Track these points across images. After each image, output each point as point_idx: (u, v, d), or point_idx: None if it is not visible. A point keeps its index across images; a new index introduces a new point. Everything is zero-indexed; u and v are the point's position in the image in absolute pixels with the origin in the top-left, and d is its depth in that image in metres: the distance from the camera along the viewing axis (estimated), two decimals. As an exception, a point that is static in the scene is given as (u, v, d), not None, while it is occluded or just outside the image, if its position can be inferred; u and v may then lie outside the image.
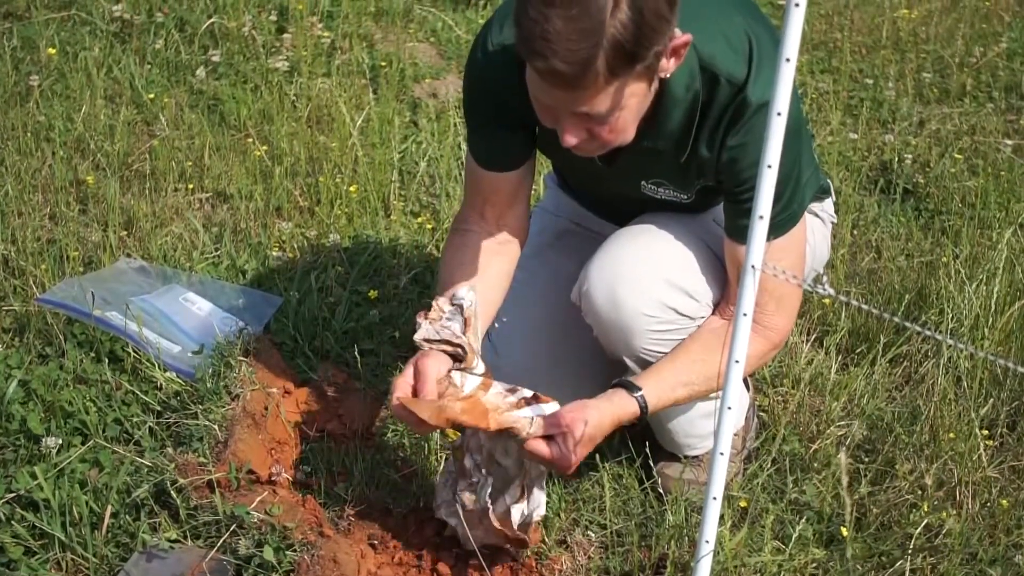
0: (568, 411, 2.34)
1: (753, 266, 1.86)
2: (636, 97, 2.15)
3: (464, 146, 4.32)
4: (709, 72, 2.29)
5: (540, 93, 2.18)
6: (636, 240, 2.59)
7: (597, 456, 2.71)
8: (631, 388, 2.44)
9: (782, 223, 2.40)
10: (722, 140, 2.34)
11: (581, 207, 2.95)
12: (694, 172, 2.46)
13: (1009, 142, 4.68)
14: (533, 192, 4.09)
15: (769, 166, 1.79)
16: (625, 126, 2.21)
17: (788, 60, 1.73)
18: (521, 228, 2.73)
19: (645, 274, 2.53)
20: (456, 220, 2.73)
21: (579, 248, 2.81)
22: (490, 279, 2.64)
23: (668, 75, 2.21)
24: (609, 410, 2.40)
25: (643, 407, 2.43)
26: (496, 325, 2.90)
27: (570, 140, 2.21)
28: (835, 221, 2.97)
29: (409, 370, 2.40)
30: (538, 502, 2.44)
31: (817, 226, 2.82)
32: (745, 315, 1.90)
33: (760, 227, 1.83)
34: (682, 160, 2.42)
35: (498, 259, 2.66)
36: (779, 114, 1.76)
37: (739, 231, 2.40)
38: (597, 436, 2.38)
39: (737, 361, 1.94)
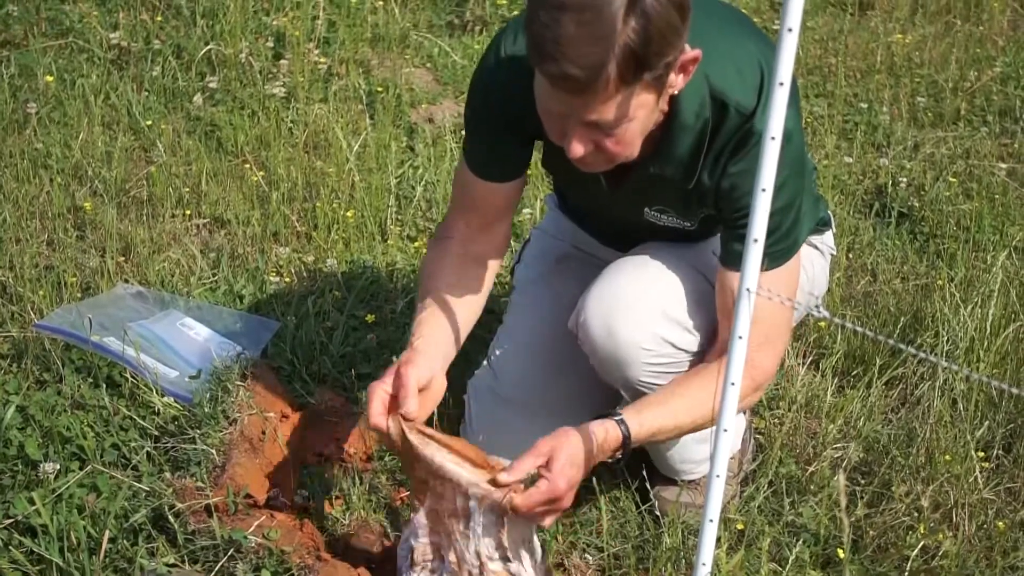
0: (546, 438, 2.31)
1: (748, 289, 1.87)
2: (644, 109, 2.16)
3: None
4: (719, 100, 2.29)
5: (549, 100, 2.18)
6: (634, 271, 2.59)
7: (594, 479, 2.71)
8: (613, 415, 2.41)
9: (778, 254, 2.40)
10: (724, 167, 2.35)
11: (581, 231, 2.95)
12: (696, 199, 2.46)
13: (1003, 166, 4.69)
14: (530, 215, 4.11)
15: (763, 190, 1.80)
16: (632, 139, 2.21)
17: (781, 84, 1.74)
18: (503, 243, 2.72)
19: (642, 306, 2.53)
20: (440, 228, 2.72)
21: (580, 273, 2.82)
22: (467, 291, 2.62)
23: (677, 91, 2.22)
24: (589, 434, 2.34)
25: (626, 435, 2.39)
26: (497, 351, 2.91)
27: (577, 151, 2.20)
28: (835, 254, 2.98)
29: (389, 377, 2.36)
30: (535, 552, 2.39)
31: (816, 258, 2.82)
32: (741, 338, 1.91)
33: (755, 250, 1.84)
34: (688, 187, 2.42)
35: (477, 271, 2.65)
36: (773, 138, 1.77)
37: (732, 256, 2.39)
38: (580, 461, 2.31)
39: (732, 384, 1.95)
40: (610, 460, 2.43)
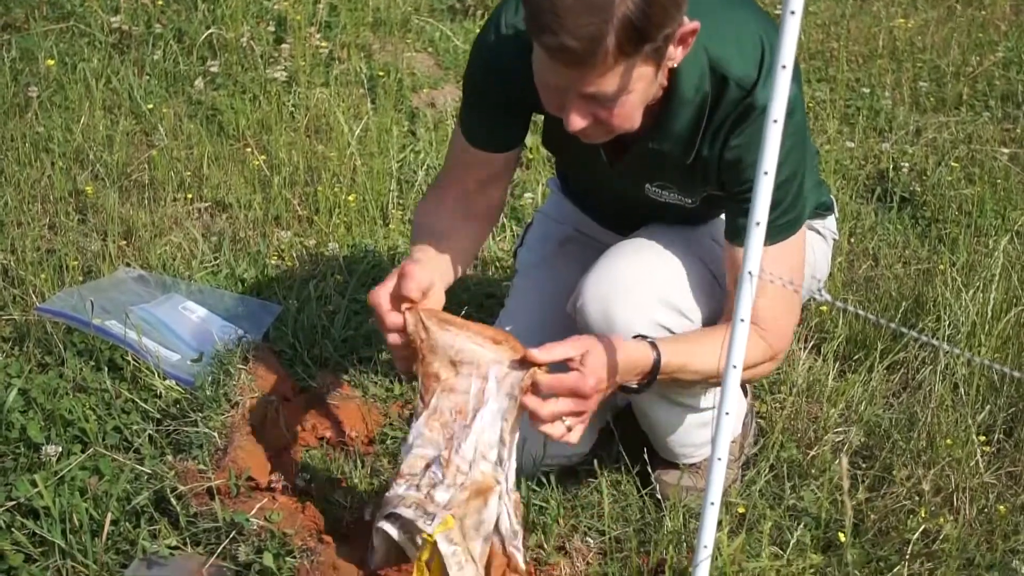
0: (583, 336, 2.28)
1: (750, 272, 1.87)
2: (643, 81, 2.15)
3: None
4: (719, 74, 2.29)
5: (548, 73, 2.17)
6: (632, 256, 2.59)
7: (595, 462, 2.72)
8: (646, 338, 2.39)
9: (781, 228, 2.39)
10: (724, 140, 2.34)
11: (584, 214, 2.95)
12: (699, 176, 2.46)
13: (1005, 150, 4.69)
14: (532, 200, 4.11)
15: (766, 172, 1.80)
16: (631, 111, 2.20)
17: (784, 67, 1.74)
18: (496, 208, 2.73)
19: (639, 291, 2.53)
20: (434, 185, 2.72)
21: (582, 256, 2.82)
22: (462, 239, 2.61)
23: (676, 64, 2.21)
24: (623, 345, 2.30)
25: (656, 359, 2.34)
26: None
27: (576, 123, 2.19)
28: (836, 238, 2.97)
29: (390, 281, 2.32)
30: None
31: (818, 242, 2.82)
32: (743, 321, 1.91)
33: (757, 233, 1.84)
34: (688, 162, 2.42)
35: (472, 225, 2.65)
36: (775, 121, 1.77)
37: (738, 232, 2.39)
38: (612, 369, 2.26)
39: (735, 366, 1.95)
40: (633, 386, 2.38)
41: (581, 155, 2.43)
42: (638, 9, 2.00)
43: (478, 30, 5.55)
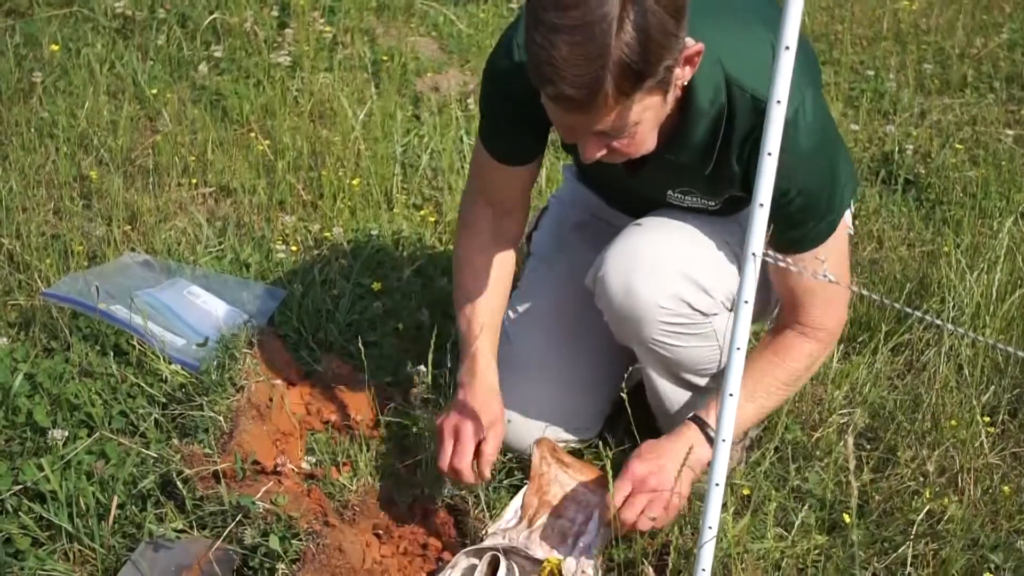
0: (640, 463, 2.47)
1: (754, 254, 1.87)
2: (652, 110, 2.15)
3: (466, 138, 4.34)
4: (735, 86, 2.28)
5: (556, 114, 2.19)
6: (656, 231, 2.59)
7: (600, 444, 2.72)
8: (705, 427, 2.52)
9: (820, 234, 2.41)
10: (749, 156, 2.34)
11: (600, 200, 2.95)
12: (720, 184, 2.46)
13: (1010, 132, 4.68)
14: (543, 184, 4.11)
15: (769, 154, 1.80)
16: (644, 138, 2.22)
17: (788, 48, 1.73)
18: (523, 221, 2.78)
19: (662, 265, 2.52)
20: (464, 214, 2.76)
21: (597, 239, 2.82)
22: (503, 277, 2.73)
23: (685, 82, 2.21)
24: (681, 459, 2.45)
25: (708, 436, 2.51)
26: (512, 316, 2.91)
27: (591, 156, 2.22)
28: (852, 232, 2.96)
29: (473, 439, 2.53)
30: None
31: None
32: (746, 302, 1.91)
33: (760, 215, 1.84)
34: (707, 172, 2.42)
35: (506, 252, 2.74)
36: (779, 102, 1.77)
37: (789, 243, 2.38)
38: (655, 453, 2.48)
39: (739, 348, 1.95)
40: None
41: (602, 166, 2.43)
42: (633, 52, 2.00)
43: (482, 15, 5.56)
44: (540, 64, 2.03)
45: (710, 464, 2.04)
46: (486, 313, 2.67)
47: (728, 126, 2.33)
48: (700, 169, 2.42)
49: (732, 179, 2.42)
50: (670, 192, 2.58)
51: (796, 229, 2.38)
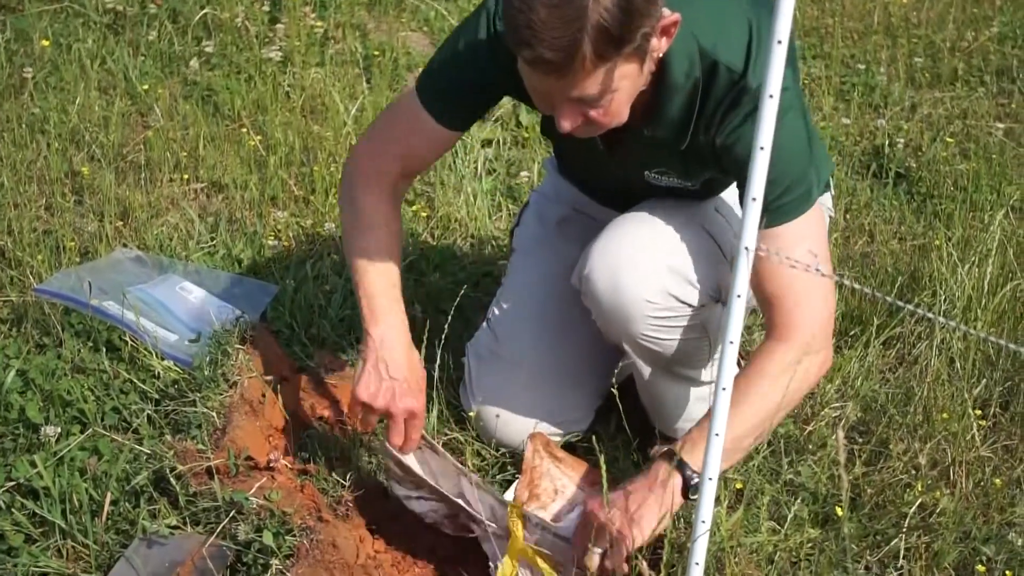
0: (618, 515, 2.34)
1: (747, 248, 1.87)
2: (628, 79, 2.16)
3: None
4: (709, 60, 2.28)
5: (533, 80, 2.18)
6: (639, 225, 2.59)
7: (593, 438, 2.72)
8: (686, 470, 2.34)
9: (793, 204, 2.35)
10: (719, 125, 2.34)
11: (582, 193, 2.95)
12: (696, 161, 2.46)
13: (1000, 125, 4.69)
14: (528, 178, 4.11)
15: (762, 148, 1.80)
16: (619, 108, 2.21)
17: (780, 42, 1.73)
18: (409, 188, 2.85)
19: (647, 260, 2.53)
20: (367, 159, 2.67)
21: (580, 235, 2.82)
22: (398, 247, 2.66)
23: (660, 55, 2.22)
24: (661, 506, 2.34)
25: (684, 468, 2.35)
26: (497, 312, 2.92)
27: (566, 125, 2.21)
28: (833, 216, 2.97)
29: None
30: None
31: None
32: (739, 296, 1.91)
33: (754, 208, 1.84)
34: (682, 148, 2.42)
35: (399, 222, 2.70)
36: (771, 96, 1.77)
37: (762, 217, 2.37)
38: (621, 495, 2.36)
39: (732, 342, 1.95)
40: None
41: (578, 144, 2.43)
42: (611, 15, 2.00)
43: (472, 8, 5.54)
44: (518, 27, 2.04)
45: (707, 446, 2.04)
46: (396, 271, 2.62)
47: (703, 100, 2.33)
48: (676, 144, 2.42)
49: (707, 156, 2.42)
50: (647, 173, 2.58)
51: (767, 193, 2.32)
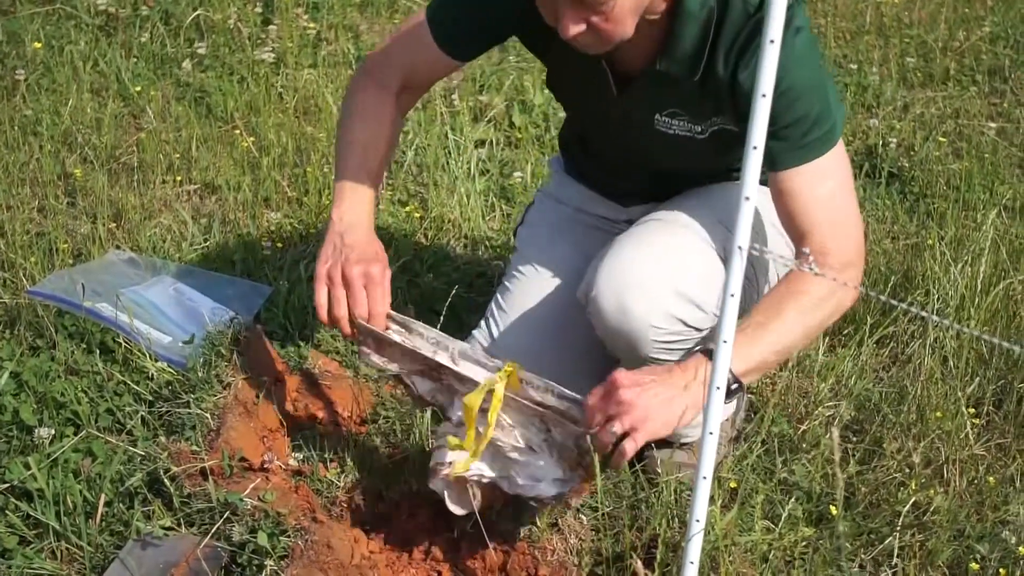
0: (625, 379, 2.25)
1: (740, 247, 1.87)
2: None
3: (451, 134, 4.33)
4: None
5: None
6: (645, 246, 2.57)
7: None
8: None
9: (814, 143, 2.37)
10: (736, 62, 2.35)
11: (587, 188, 2.95)
12: (711, 98, 2.45)
13: (993, 125, 4.70)
14: (520, 179, 4.11)
15: (764, 95, 1.79)
16: (622, 16, 2.23)
17: (772, 42, 1.74)
18: (416, 100, 2.85)
19: (654, 284, 2.50)
20: (374, 68, 2.72)
21: (583, 239, 2.82)
22: (392, 142, 2.71)
23: None
24: (679, 367, 2.28)
25: (732, 377, 2.26)
26: (496, 313, 2.91)
27: (570, 29, 2.22)
28: None
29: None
30: None
31: None
32: (732, 296, 1.92)
33: (754, 157, 1.83)
34: (696, 79, 2.41)
35: (399, 122, 2.74)
36: (764, 96, 1.77)
37: (775, 159, 2.37)
38: (659, 387, 2.23)
39: (725, 341, 1.96)
40: (731, 387, 2.27)
41: (590, 90, 2.44)
42: None
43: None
44: None
45: (698, 457, 2.04)
46: (374, 161, 2.63)
47: (717, 30, 2.35)
48: (689, 78, 2.42)
49: (723, 93, 2.41)
50: (658, 116, 2.56)
51: (792, 132, 2.35)
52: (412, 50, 2.65)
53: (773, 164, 2.40)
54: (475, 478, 2.38)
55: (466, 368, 2.45)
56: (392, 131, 2.69)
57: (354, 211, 2.56)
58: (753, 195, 1.84)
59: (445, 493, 2.43)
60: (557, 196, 3.02)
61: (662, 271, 2.52)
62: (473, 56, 2.70)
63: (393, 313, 2.53)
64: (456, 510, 2.44)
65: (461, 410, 2.36)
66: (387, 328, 2.51)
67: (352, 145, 2.63)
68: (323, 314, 2.51)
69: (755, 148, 1.82)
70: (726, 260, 1.93)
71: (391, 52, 2.70)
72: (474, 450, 2.33)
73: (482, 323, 2.94)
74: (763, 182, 2.44)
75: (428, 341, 2.50)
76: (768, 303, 2.40)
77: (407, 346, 2.48)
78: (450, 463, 2.38)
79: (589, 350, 2.82)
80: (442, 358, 2.46)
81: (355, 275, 2.48)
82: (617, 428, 2.21)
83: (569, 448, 2.32)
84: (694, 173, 2.73)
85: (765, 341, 2.33)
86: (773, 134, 2.29)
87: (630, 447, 2.21)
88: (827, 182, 2.38)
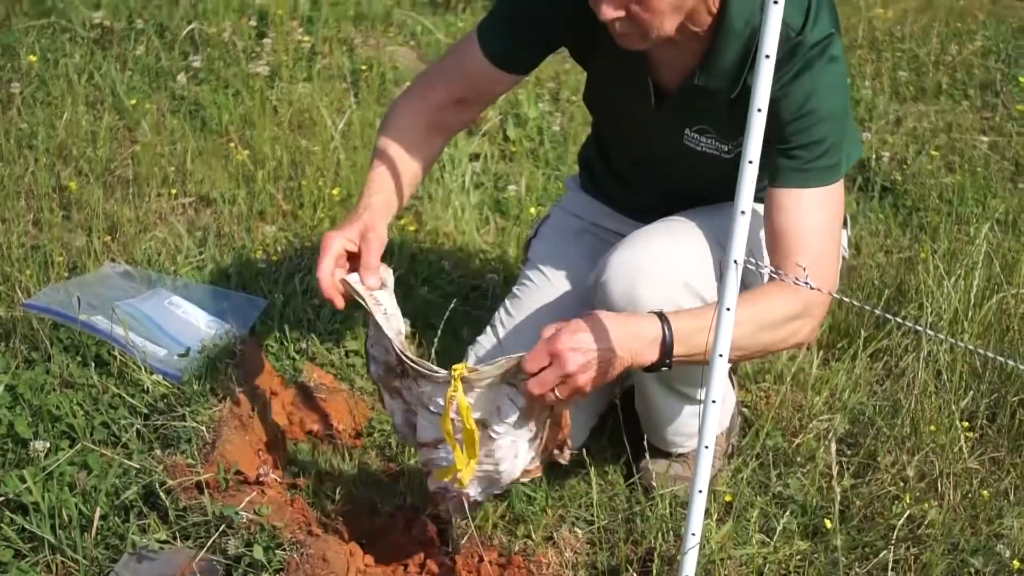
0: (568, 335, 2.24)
1: (735, 261, 1.88)
2: None
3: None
4: None
5: None
6: (659, 238, 2.61)
7: (584, 452, 2.73)
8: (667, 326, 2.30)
9: (821, 171, 2.40)
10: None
11: (602, 205, 2.97)
12: (741, 119, 2.47)
13: (985, 139, 4.72)
14: (513, 191, 4.12)
15: (759, 110, 1.81)
16: (662, 7, 2.26)
17: (768, 57, 1.75)
18: (470, 122, 2.87)
19: (664, 273, 2.53)
20: (417, 85, 2.73)
21: (594, 250, 2.83)
22: (424, 157, 2.67)
23: None
24: (616, 317, 2.29)
25: (667, 333, 2.28)
26: (504, 320, 2.91)
27: (608, 12, 2.25)
28: (847, 256, 2.98)
29: (351, 232, 2.43)
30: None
31: None
32: (728, 310, 1.93)
33: (749, 171, 1.84)
34: (733, 96, 2.45)
35: (438, 139, 2.72)
36: (759, 110, 1.78)
37: (780, 173, 2.40)
38: (594, 337, 2.24)
39: (720, 355, 1.97)
40: (654, 360, 2.31)
41: (627, 100, 2.46)
42: None
43: (460, 24, 5.56)
44: None
45: (693, 470, 2.05)
46: (407, 175, 2.62)
47: (757, 50, 2.36)
48: (725, 96, 2.46)
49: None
50: (687, 131, 2.59)
51: (803, 153, 2.38)
52: (461, 63, 2.67)
53: (774, 179, 2.43)
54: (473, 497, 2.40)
55: (417, 363, 2.34)
56: (421, 143, 2.66)
57: (368, 211, 2.51)
58: (748, 209, 1.85)
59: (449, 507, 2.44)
60: (572, 210, 3.03)
61: (673, 263, 2.55)
62: (525, 68, 2.69)
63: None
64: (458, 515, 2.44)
65: (428, 430, 2.36)
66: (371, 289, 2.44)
67: (379, 156, 2.63)
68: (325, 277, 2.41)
69: (751, 162, 1.84)
70: (722, 273, 1.95)
71: (441, 66, 2.73)
72: (466, 462, 2.32)
73: (488, 329, 2.93)
74: (760, 199, 2.49)
75: (383, 313, 2.42)
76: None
77: (369, 309, 2.40)
78: (453, 483, 2.37)
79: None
80: (393, 337, 2.36)
81: (354, 235, 2.44)
82: (550, 377, 2.20)
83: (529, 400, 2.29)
84: (713, 192, 2.74)
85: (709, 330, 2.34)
86: (785, 151, 2.35)
87: (562, 393, 2.22)
88: (821, 212, 2.41)
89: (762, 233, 2.54)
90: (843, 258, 2.93)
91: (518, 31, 2.59)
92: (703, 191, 2.73)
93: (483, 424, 2.29)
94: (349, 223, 2.45)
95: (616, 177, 2.95)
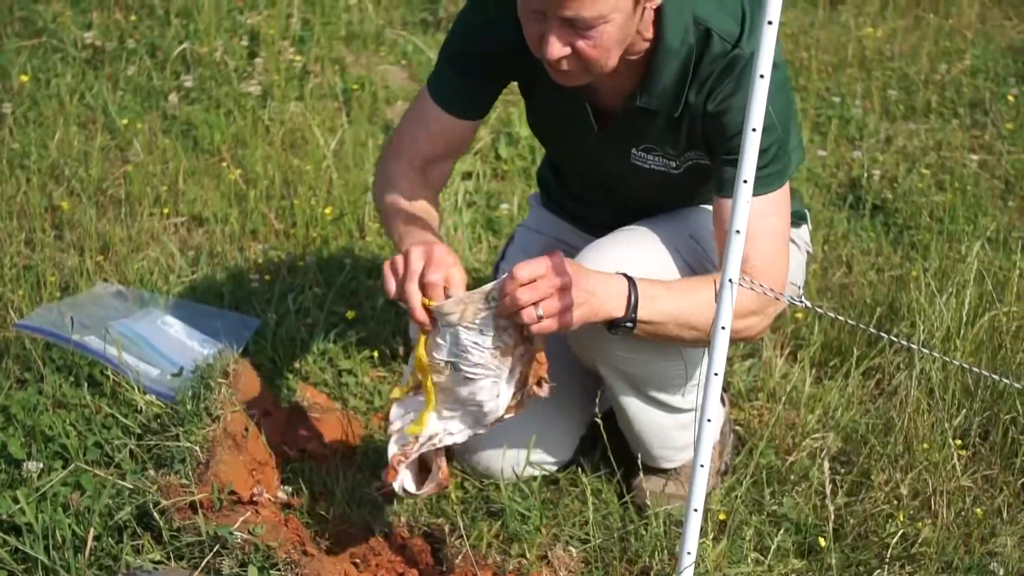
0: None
1: (738, 230, 1.88)
2: (621, 13, 2.22)
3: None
4: (703, 27, 2.37)
5: (526, 4, 2.25)
6: (614, 251, 2.60)
7: (578, 470, 2.73)
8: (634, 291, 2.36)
9: (769, 179, 2.42)
10: (710, 92, 2.41)
11: (563, 222, 2.98)
12: (685, 132, 2.49)
13: (975, 157, 4.73)
14: (506, 210, 4.13)
15: (754, 129, 1.82)
16: (608, 44, 2.26)
17: (770, 23, 1.76)
18: (447, 176, 2.80)
19: None
20: (392, 149, 2.72)
21: None
22: (430, 211, 2.66)
23: (655, 5, 2.30)
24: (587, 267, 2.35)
25: (633, 292, 2.34)
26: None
27: (554, 51, 2.25)
28: (811, 251, 3.00)
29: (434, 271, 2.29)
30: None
31: (793, 252, 2.84)
32: (731, 281, 1.93)
33: (745, 190, 1.85)
34: (675, 115, 2.46)
35: (432, 195, 2.70)
36: (762, 76, 1.79)
37: (724, 183, 2.42)
38: (576, 270, 2.29)
39: (716, 374, 1.97)
40: (619, 316, 2.36)
41: (571, 128, 2.46)
42: None
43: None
44: None
45: (688, 490, 2.05)
46: (421, 210, 2.61)
47: (696, 66, 2.41)
48: (669, 114, 2.47)
49: (696, 125, 2.47)
50: (634, 151, 2.60)
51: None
52: (423, 123, 2.68)
53: (721, 189, 2.46)
54: (443, 441, 2.39)
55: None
56: (424, 190, 2.67)
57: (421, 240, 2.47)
58: (743, 228, 1.85)
59: (407, 477, 2.41)
60: (536, 228, 3.07)
61: (631, 269, 2.53)
62: (482, 110, 2.69)
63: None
64: (418, 489, 2.41)
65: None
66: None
67: (397, 205, 2.62)
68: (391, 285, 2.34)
69: (745, 182, 1.84)
70: (719, 289, 1.96)
71: (403, 132, 2.73)
72: (428, 399, 2.36)
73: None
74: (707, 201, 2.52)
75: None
76: (697, 284, 2.45)
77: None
78: (402, 431, 2.41)
79: (575, 375, 2.83)
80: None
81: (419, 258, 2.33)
82: (543, 285, 2.22)
83: (508, 326, 2.29)
84: (666, 206, 2.76)
85: (675, 303, 2.41)
86: (732, 161, 2.35)
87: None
88: (770, 218, 2.45)
89: (710, 227, 2.58)
90: (808, 252, 2.97)
91: (467, 74, 2.60)
92: (656, 204, 2.76)
93: (454, 366, 2.31)
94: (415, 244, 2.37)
95: (571, 195, 2.99)
